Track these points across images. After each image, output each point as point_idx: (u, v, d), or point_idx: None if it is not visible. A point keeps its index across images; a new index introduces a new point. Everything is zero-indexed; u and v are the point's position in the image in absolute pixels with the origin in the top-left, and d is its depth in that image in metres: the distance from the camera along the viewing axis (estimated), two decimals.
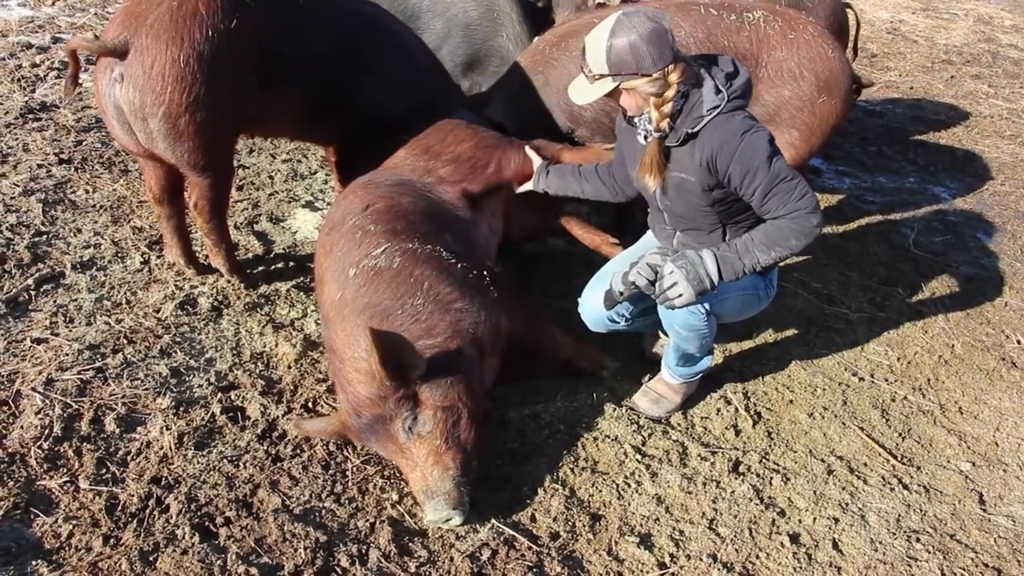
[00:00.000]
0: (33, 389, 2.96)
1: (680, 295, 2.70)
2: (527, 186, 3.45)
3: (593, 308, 3.12)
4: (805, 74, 3.66)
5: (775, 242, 2.67)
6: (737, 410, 3.25)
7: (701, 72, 2.69)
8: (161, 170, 3.38)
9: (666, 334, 3.32)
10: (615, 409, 3.16)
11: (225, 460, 2.79)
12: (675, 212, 2.91)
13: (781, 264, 2.94)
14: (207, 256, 3.70)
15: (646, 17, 2.61)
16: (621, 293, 2.85)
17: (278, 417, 2.98)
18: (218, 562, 2.43)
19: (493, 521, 2.66)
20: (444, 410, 2.64)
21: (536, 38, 4.11)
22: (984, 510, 2.91)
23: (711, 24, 3.64)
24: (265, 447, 2.86)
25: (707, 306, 2.86)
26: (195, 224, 3.59)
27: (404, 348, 2.61)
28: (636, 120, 2.82)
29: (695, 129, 2.68)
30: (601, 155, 3.59)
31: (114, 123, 3.15)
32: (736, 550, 2.67)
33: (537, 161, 3.44)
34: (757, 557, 2.65)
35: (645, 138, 2.81)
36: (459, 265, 2.98)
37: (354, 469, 2.83)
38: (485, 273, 3.05)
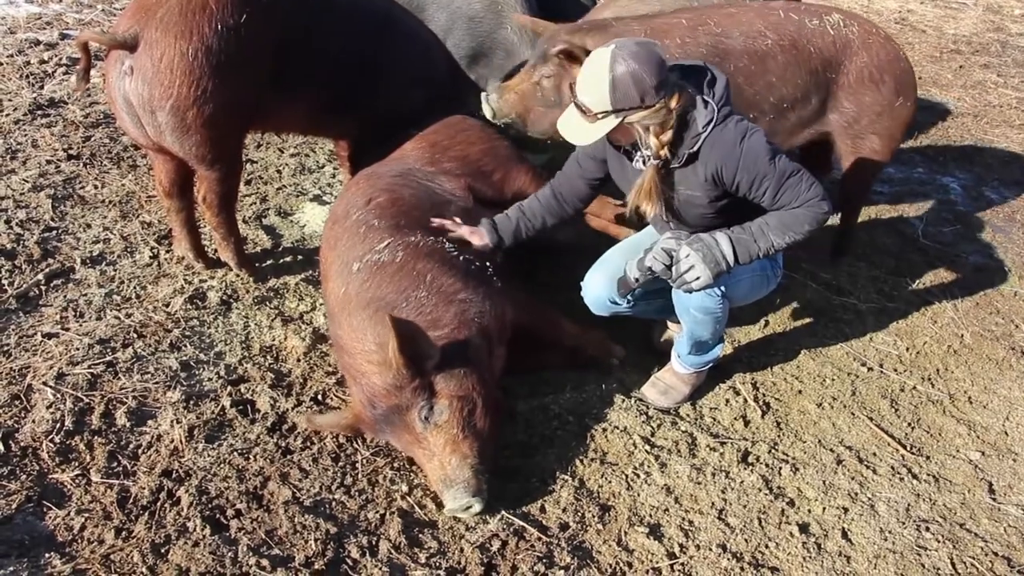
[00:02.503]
0: (44, 383, 2.97)
1: (698, 278, 2.72)
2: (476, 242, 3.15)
3: (596, 291, 3.14)
4: (885, 79, 3.65)
5: (789, 227, 2.72)
6: (746, 400, 3.25)
7: (691, 90, 2.66)
8: (171, 164, 3.39)
9: (674, 322, 3.33)
10: (624, 400, 3.16)
11: (235, 453, 2.81)
12: (681, 222, 2.91)
13: (789, 254, 2.95)
14: (216, 250, 3.71)
15: (640, 46, 2.57)
16: (637, 280, 2.87)
17: (288, 410, 3.00)
18: (229, 554, 2.44)
19: (503, 512, 2.67)
20: (460, 399, 2.66)
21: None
22: (994, 499, 2.91)
23: (794, 29, 3.57)
24: (275, 440, 2.87)
25: (722, 288, 2.87)
26: (204, 218, 3.60)
27: (420, 337, 2.63)
28: (631, 147, 2.80)
29: (695, 148, 2.68)
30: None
31: (124, 116, 3.17)
32: (745, 540, 2.67)
33: (463, 229, 3.15)
34: (767, 547, 2.65)
35: (644, 162, 2.78)
36: (461, 257, 2.99)
37: (364, 461, 2.84)
38: (487, 263, 3.06)
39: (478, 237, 3.13)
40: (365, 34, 3.57)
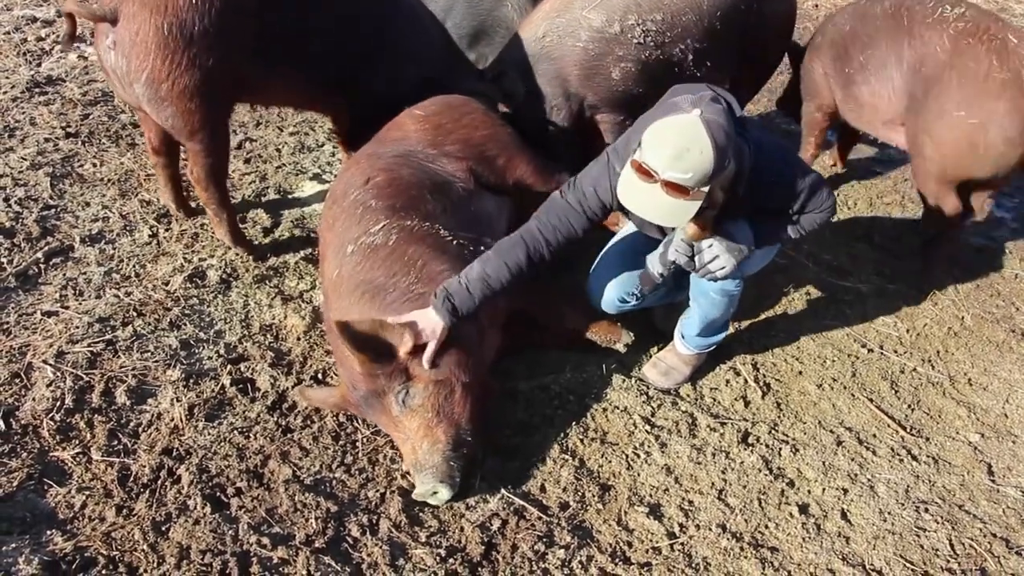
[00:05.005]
0: (44, 362, 2.97)
1: (723, 267, 2.75)
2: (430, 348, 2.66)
3: (601, 291, 3.12)
4: None
5: (804, 227, 2.86)
6: (746, 381, 3.25)
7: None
8: (158, 123, 3.45)
9: (677, 304, 3.33)
10: (624, 380, 3.16)
11: (235, 431, 2.81)
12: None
13: None
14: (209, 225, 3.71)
15: (715, 101, 2.47)
16: (662, 275, 2.89)
17: (288, 389, 2.99)
18: (230, 532, 2.45)
19: (503, 491, 2.68)
20: (436, 384, 2.65)
21: None
22: (993, 481, 2.92)
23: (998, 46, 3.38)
24: (275, 418, 2.87)
25: (742, 271, 2.88)
26: (198, 197, 3.60)
27: (382, 329, 2.62)
28: None
29: (743, 187, 2.63)
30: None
31: (114, 83, 3.26)
32: (745, 520, 2.68)
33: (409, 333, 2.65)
34: (766, 527, 2.66)
35: None
36: (455, 242, 2.98)
37: (364, 440, 2.84)
38: (483, 248, 3.04)
39: (429, 330, 2.65)
40: (351, 9, 3.54)
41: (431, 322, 2.64)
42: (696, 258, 2.76)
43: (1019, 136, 3.33)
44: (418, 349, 2.64)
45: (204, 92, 3.18)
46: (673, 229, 2.85)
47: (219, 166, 3.47)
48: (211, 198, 3.50)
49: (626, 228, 3.25)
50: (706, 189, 2.42)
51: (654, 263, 2.90)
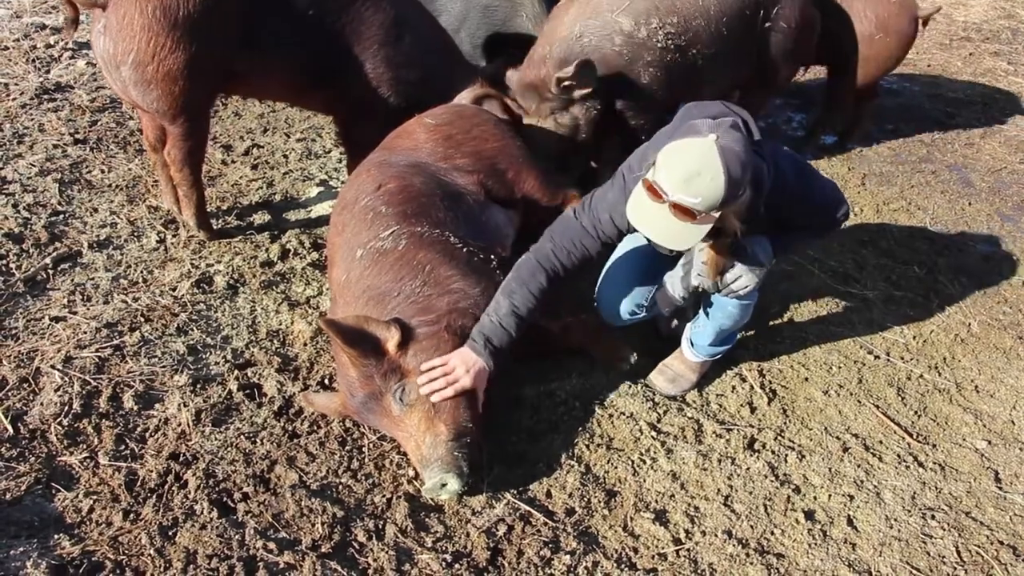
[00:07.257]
0: (52, 367, 2.98)
1: (746, 287, 2.77)
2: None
3: (612, 303, 3.12)
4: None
5: (817, 236, 2.98)
6: (752, 387, 3.25)
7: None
8: (156, 119, 3.54)
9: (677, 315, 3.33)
10: (630, 386, 3.17)
11: (242, 436, 2.81)
12: None
13: None
14: (221, 221, 3.72)
15: (733, 129, 2.45)
16: (683, 297, 2.90)
17: (294, 394, 3.00)
18: (236, 537, 2.45)
19: (509, 497, 2.68)
20: None
21: None
22: (1000, 488, 2.91)
23: None
24: (282, 424, 2.88)
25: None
26: (171, 174, 3.68)
27: (368, 324, 2.64)
28: None
29: (761, 209, 2.63)
30: None
31: (105, 74, 3.35)
32: (751, 527, 2.67)
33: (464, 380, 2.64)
34: (772, 534, 2.66)
35: None
36: (465, 249, 2.98)
37: (371, 445, 2.84)
38: (492, 258, 3.05)
39: (480, 374, 2.68)
40: (344, 4, 3.58)
41: (471, 363, 2.65)
42: (718, 280, 2.78)
43: (912, 35, 4.95)
44: (414, 343, 2.67)
45: (189, 76, 3.28)
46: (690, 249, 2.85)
47: (196, 150, 3.57)
48: (184, 179, 3.61)
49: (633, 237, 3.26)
50: (716, 215, 2.39)
51: (675, 286, 2.89)
